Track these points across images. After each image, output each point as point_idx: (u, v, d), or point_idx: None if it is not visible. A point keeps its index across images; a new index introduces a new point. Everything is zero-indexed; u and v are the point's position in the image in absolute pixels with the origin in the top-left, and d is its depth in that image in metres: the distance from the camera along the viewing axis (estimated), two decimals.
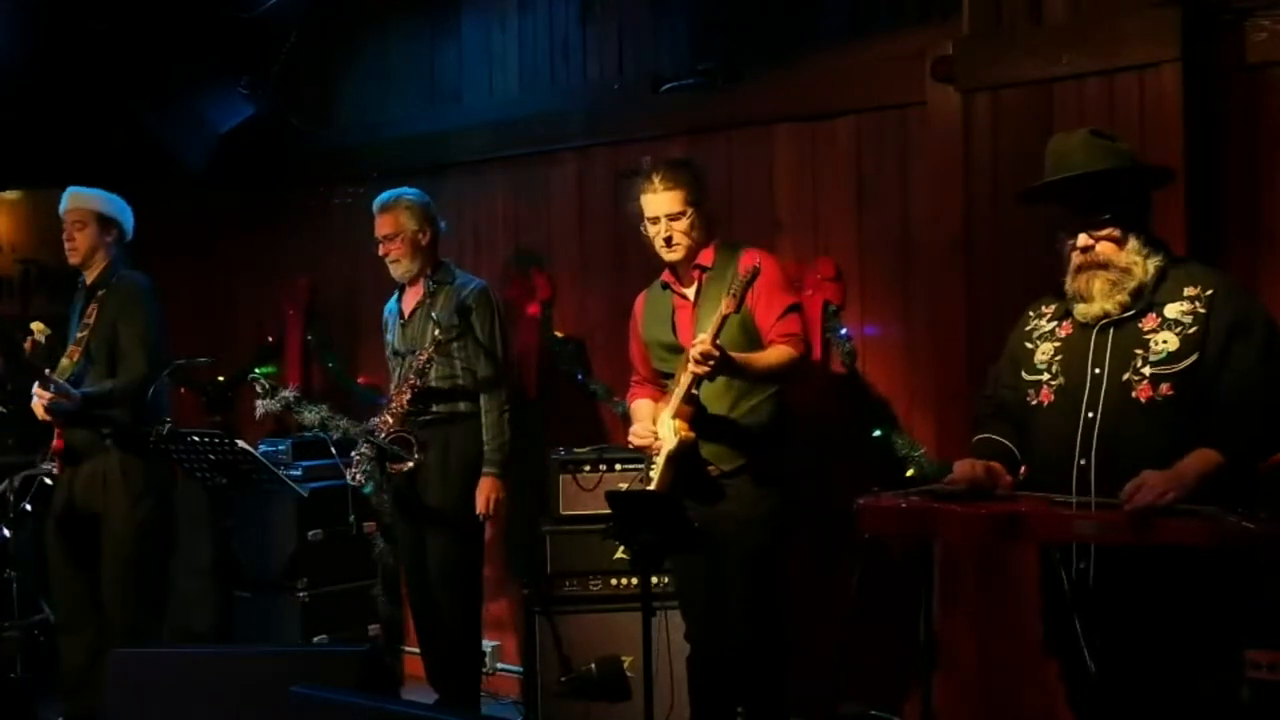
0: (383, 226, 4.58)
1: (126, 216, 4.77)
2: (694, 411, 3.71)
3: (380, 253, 4.61)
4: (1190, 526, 2.61)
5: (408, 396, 4.44)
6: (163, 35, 5.36)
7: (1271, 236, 3.70)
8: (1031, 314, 3.18)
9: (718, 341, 3.52)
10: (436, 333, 4.40)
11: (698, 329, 3.72)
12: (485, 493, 4.47)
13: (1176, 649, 2.85)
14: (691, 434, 3.71)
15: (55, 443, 4.54)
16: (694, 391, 3.68)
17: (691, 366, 3.56)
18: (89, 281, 4.69)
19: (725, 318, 3.54)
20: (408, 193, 4.62)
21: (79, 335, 4.59)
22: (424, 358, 4.41)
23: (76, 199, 4.70)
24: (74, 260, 4.69)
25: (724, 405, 3.77)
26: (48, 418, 4.46)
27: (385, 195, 4.62)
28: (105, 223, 4.69)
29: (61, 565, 4.64)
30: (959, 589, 3.93)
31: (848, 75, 4.43)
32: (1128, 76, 3.66)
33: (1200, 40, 3.63)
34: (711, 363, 3.51)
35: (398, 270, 4.60)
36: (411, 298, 4.64)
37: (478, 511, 4.47)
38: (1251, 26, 3.63)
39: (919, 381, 4.31)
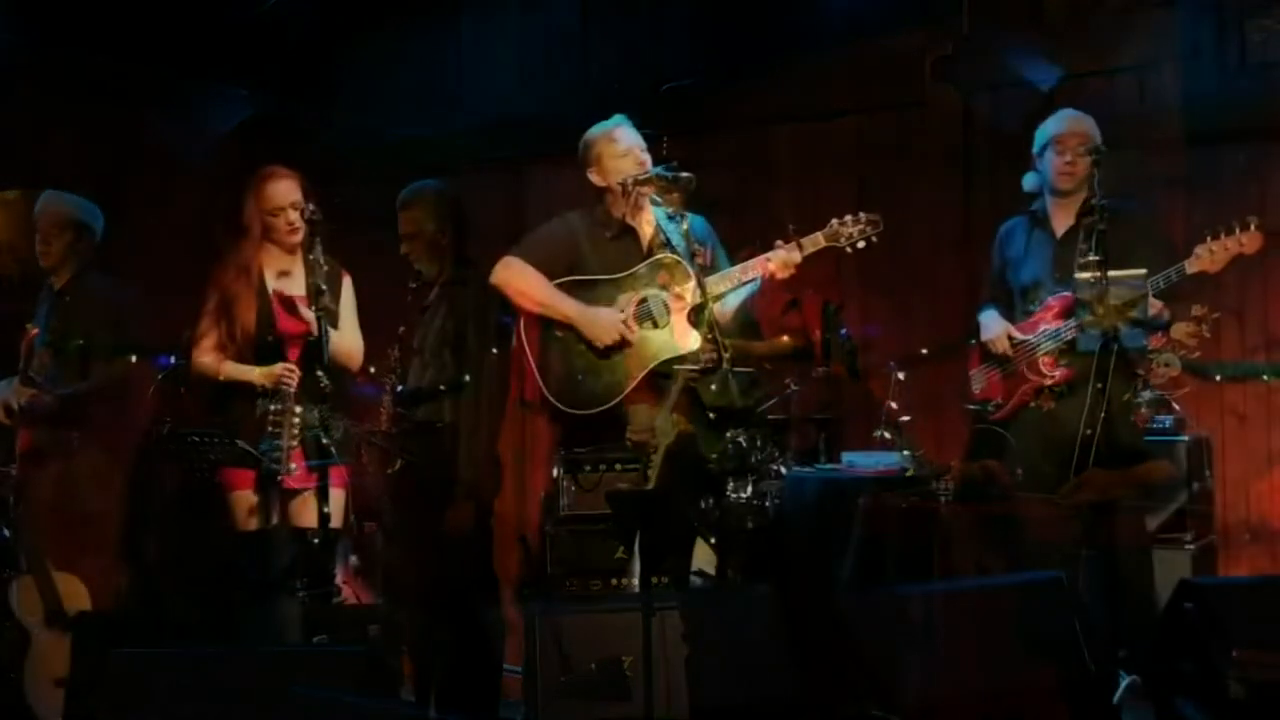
0: (401, 224, 4.34)
1: (100, 223, 4.75)
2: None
3: (401, 251, 4.37)
4: None
5: (389, 399, 4.39)
6: (163, 36, 5.37)
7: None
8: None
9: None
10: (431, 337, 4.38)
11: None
12: (451, 514, 4.23)
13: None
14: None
15: (20, 444, 4.55)
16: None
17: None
18: (56, 286, 4.67)
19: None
20: (427, 188, 4.34)
21: (46, 339, 4.58)
22: (393, 357, 4.32)
23: (56, 204, 4.67)
24: (46, 264, 4.66)
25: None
26: (6, 420, 4.47)
27: (406, 191, 4.36)
28: (80, 229, 4.65)
29: (54, 565, 4.65)
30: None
31: (848, 75, 4.43)
32: (1128, 77, 3.67)
33: (1200, 40, 3.63)
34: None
35: (418, 267, 4.34)
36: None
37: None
38: (1251, 26, 3.63)
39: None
